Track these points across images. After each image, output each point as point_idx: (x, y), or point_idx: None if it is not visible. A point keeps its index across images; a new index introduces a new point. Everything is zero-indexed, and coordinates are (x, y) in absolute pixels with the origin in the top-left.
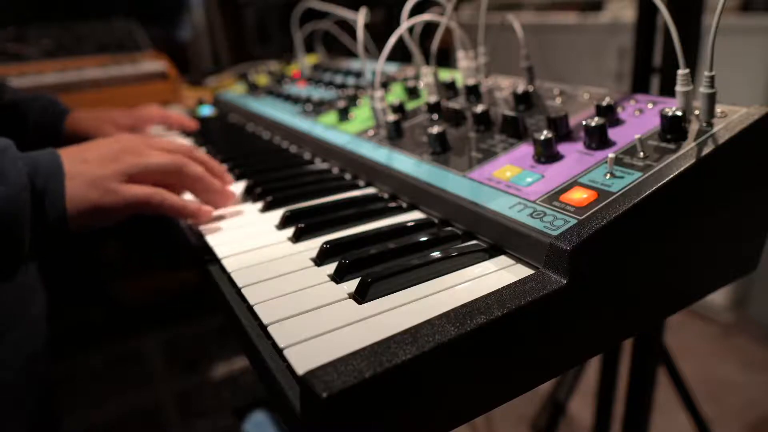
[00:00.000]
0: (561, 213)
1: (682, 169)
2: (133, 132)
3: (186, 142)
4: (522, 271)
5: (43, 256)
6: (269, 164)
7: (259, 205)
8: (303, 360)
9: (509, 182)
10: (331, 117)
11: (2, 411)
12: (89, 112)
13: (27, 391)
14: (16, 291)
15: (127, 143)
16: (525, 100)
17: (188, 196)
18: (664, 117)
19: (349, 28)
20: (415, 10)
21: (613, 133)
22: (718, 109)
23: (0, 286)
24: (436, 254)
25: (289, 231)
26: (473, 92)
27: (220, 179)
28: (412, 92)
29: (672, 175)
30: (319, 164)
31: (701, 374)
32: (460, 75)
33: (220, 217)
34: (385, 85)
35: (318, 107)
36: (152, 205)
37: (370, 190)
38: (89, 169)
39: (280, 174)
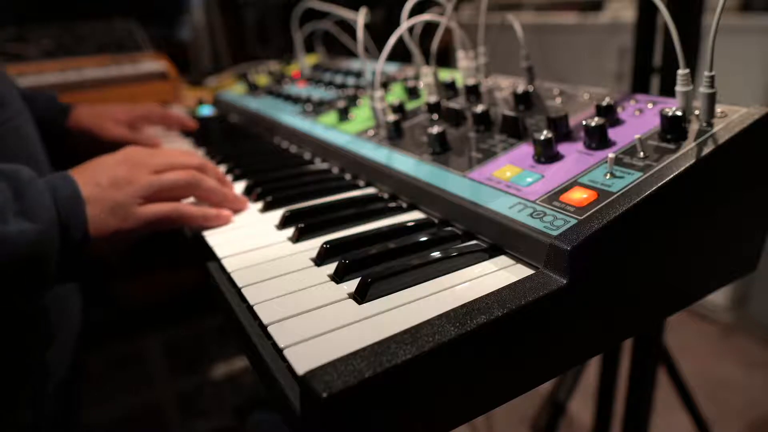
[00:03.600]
0: (561, 213)
1: (682, 169)
2: (132, 129)
3: (186, 142)
4: (522, 271)
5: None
6: (269, 164)
7: (259, 205)
8: (303, 360)
9: (509, 182)
10: (331, 117)
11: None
12: (90, 107)
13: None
14: (61, 291)
15: (136, 161)
16: (525, 100)
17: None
18: (664, 117)
19: (349, 28)
20: (415, 10)
21: (613, 133)
22: (718, 109)
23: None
24: (436, 254)
25: (289, 231)
26: (473, 92)
27: (229, 188)
28: (412, 92)
29: (672, 175)
30: (319, 164)
31: (701, 374)
32: (460, 75)
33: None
34: (385, 85)
35: (318, 107)
36: (173, 220)
37: (370, 190)
38: (106, 195)
39: (280, 174)
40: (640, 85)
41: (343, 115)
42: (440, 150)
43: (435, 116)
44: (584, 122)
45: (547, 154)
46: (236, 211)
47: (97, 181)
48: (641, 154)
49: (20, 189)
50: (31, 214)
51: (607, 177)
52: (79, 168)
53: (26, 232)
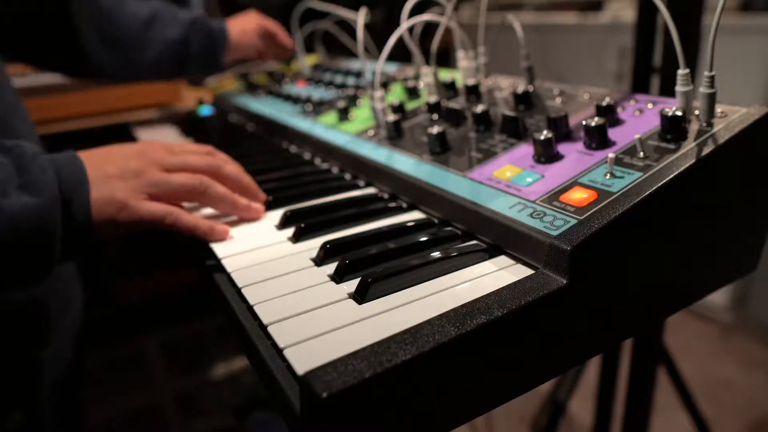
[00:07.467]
0: (561, 213)
1: (682, 169)
2: (264, 38)
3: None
4: (522, 271)
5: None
6: (269, 164)
7: None
8: (303, 360)
9: (509, 182)
10: (331, 117)
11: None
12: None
13: (71, 374)
14: (65, 277)
15: (150, 155)
16: (525, 100)
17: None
18: (664, 117)
19: (349, 28)
20: (415, 10)
21: (613, 133)
22: (718, 109)
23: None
24: (436, 254)
25: (289, 231)
26: (473, 92)
27: (249, 194)
28: (412, 92)
29: (672, 175)
30: (319, 164)
31: (701, 374)
32: (460, 75)
33: (220, 217)
34: (385, 85)
35: (318, 107)
36: (165, 224)
37: (370, 190)
38: (110, 183)
39: (280, 174)
40: (640, 85)
41: (343, 115)
42: (440, 150)
43: (435, 116)
44: (584, 122)
45: (547, 154)
46: (247, 219)
47: (106, 167)
48: (641, 154)
49: (23, 163)
50: (33, 188)
51: (607, 177)
52: (91, 151)
53: (27, 207)
